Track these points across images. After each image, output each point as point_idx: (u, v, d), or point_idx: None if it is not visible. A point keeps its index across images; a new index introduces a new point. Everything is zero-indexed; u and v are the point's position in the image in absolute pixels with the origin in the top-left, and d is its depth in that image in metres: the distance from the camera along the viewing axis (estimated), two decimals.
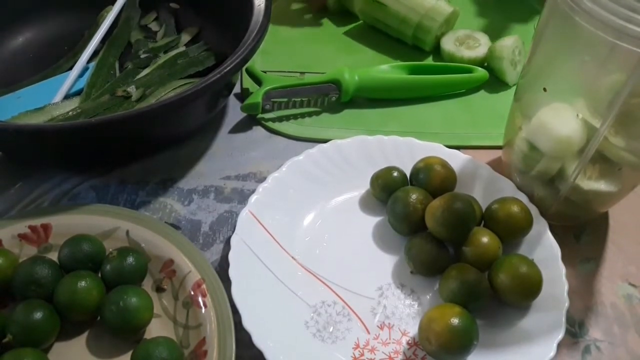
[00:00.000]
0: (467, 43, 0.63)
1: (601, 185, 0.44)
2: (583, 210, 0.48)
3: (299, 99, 0.57)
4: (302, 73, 0.61)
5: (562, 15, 0.38)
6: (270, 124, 0.56)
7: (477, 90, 0.61)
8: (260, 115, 0.57)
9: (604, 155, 0.41)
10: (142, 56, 0.59)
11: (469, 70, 0.60)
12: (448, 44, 0.64)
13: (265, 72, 0.58)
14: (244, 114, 0.57)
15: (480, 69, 0.60)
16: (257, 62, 0.60)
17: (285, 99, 0.57)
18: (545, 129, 0.43)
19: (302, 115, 0.57)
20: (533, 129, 0.44)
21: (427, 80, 0.59)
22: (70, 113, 0.52)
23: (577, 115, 0.40)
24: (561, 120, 0.42)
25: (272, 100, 0.56)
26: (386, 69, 0.59)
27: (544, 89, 0.41)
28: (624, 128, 0.39)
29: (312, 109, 0.58)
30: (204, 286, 0.41)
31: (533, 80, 0.44)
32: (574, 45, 0.39)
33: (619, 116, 0.38)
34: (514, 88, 0.47)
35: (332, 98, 0.58)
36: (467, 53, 0.62)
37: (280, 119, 0.57)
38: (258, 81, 0.57)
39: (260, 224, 0.46)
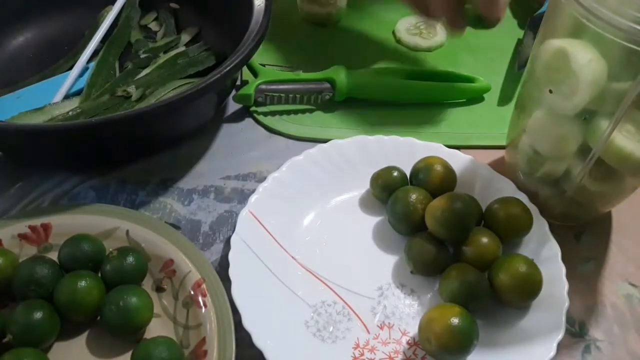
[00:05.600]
0: (422, 33, 0.64)
1: (607, 186, 0.44)
2: (588, 210, 0.48)
3: (292, 95, 0.57)
4: (299, 69, 0.61)
5: (569, 19, 0.38)
6: (270, 124, 0.56)
7: (479, 102, 0.60)
8: (261, 117, 0.57)
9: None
10: (142, 56, 0.59)
11: (470, 80, 0.59)
12: (402, 32, 0.65)
13: (263, 65, 0.58)
14: (245, 115, 0.57)
15: (481, 79, 0.59)
16: (256, 55, 0.60)
17: (278, 94, 0.57)
18: (541, 130, 0.43)
19: (296, 112, 0.57)
20: (531, 131, 0.44)
21: (425, 87, 0.58)
22: (70, 113, 0.52)
23: (575, 115, 0.40)
24: (556, 121, 0.42)
25: (266, 94, 0.56)
26: (383, 72, 0.59)
27: (550, 91, 0.41)
28: (633, 127, 0.39)
29: (305, 106, 0.58)
30: (204, 286, 0.41)
31: (537, 81, 0.44)
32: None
33: (626, 117, 0.37)
34: (515, 90, 0.47)
35: (326, 97, 0.58)
36: (421, 42, 0.63)
37: (281, 120, 0.57)
38: (255, 73, 0.57)
39: (260, 224, 0.46)
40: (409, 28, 0.67)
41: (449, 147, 0.52)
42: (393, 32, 0.67)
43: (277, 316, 0.41)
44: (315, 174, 0.50)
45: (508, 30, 0.69)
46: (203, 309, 0.40)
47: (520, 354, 0.39)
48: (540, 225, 0.45)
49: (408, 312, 0.43)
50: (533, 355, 0.39)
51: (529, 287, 0.41)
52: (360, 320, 0.42)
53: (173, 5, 0.65)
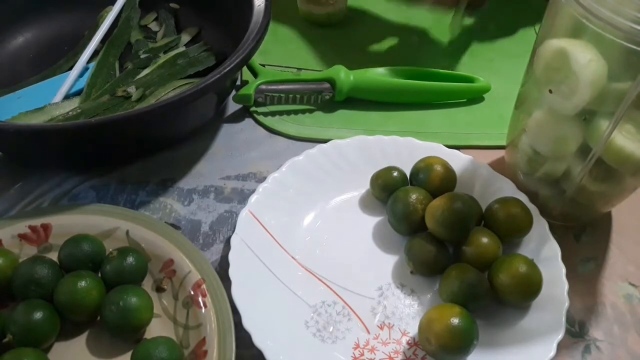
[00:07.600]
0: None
1: (607, 186, 0.44)
2: (587, 210, 0.48)
3: (292, 95, 0.57)
4: (299, 69, 0.61)
5: (569, 19, 0.38)
6: (270, 124, 0.56)
7: (479, 102, 0.60)
8: (261, 117, 0.57)
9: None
10: (142, 56, 0.59)
11: (470, 80, 0.59)
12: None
13: (263, 65, 0.58)
14: (245, 114, 0.57)
15: (481, 79, 0.60)
16: (256, 55, 0.60)
17: (278, 94, 0.57)
18: (541, 130, 0.43)
19: (296, 112, 0.57)
20: (531, 131, 0.44)
21: (425, 87, 0.58)
22: (70, 113, 0.52)
23: (575, 115, 0.40)
24: (556, 121, 0.42)
25: (266, 94, 0.56)
26: (383, 72, 0.59)
27: (550, 91, 0.41)
28: (633, 127, 0.39)
29: (305, 106, 0.58)
30: (204, 286, 0.41)
31: (537, 81, 0.44)
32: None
33: (626, 117, 0.37)
34: (516, 89, 0.47)
35: (326, 97, 0.58)
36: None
37: (281, 120, 0.57)
38: (254, 73, 0.57)
39: (260, 224, 0.46)
40: None
41: (449, 147, 0.52)
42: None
43: (277, 316, 0.41)
44: (315, 174, 0.50)
45: (508, 30, 0.70)
46: (203, 309, 0.40)
47: (520, 354, 0.39)
48: (540, 225, 0.45)
49: (408, 312, 0.43)
50: (533, 355, 0.39)
51: (529, 287, 0.41)
52: (360, 320, 0.42)
53: (173, 5, 0.65)
